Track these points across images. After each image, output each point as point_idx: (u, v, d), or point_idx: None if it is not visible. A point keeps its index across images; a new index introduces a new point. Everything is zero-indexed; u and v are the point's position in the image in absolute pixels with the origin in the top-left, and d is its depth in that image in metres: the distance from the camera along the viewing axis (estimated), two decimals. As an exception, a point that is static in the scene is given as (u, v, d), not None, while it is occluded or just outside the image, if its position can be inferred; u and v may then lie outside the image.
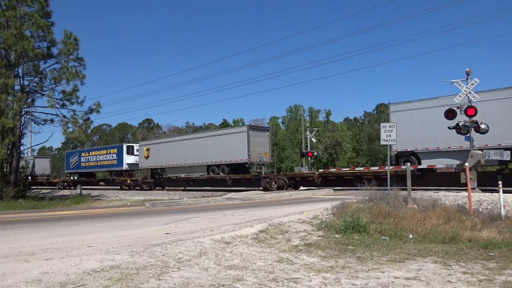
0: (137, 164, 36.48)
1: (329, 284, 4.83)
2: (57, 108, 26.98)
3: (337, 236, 7.96)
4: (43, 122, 28.01)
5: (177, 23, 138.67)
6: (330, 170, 26.06)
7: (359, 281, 5.00)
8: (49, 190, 41.86)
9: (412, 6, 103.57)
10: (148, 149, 34.54)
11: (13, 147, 26.69)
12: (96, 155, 40.75)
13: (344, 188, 23.46)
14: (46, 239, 8.16)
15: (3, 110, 24.33)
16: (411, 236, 8.07)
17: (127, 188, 35.56)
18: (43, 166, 49.36)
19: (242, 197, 19.56)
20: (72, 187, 41.33)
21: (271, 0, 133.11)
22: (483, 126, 15.27)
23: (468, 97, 15.25)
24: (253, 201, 18.06)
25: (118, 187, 36.80)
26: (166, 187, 34.37)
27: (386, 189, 11.75)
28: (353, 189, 21.86)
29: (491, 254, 6.70)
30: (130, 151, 37.13)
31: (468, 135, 15.57)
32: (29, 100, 27.23)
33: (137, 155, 36.47)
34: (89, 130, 43.34)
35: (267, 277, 5.02)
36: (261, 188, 25.83)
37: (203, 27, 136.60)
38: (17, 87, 26.66)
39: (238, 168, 28.15)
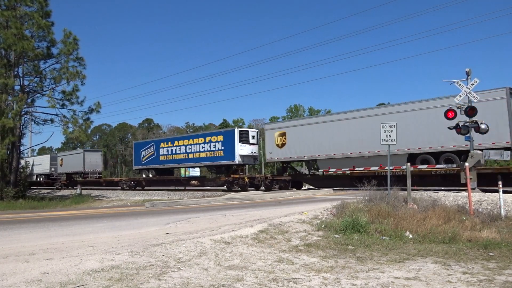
0: (253, 156, 27.67)
1: (329, 284, 4.83)
2: (57, 108, 27.04)
3: (337, 236, 7.96)
4: (43, 122, 28.05)
5: (177, 23, 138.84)
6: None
7: (359, 281, 5.00)
8: (49, 190, 41.67)
9: (412, 6, 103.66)
10: (283, 134, 25.56)
11: (13, 147, 26.72)
12: (185, 145, 30.63)
13: (344, 188, 23.44)
14: (46, 239, 8.15)
15: (3, 110, 24.36)
16: (411, 236, 8.07)
17: (239, 189, 26.81)
18: (94, 162, 41.77)
19: (242, 197, 19.59)
20: (139, 188, 34.53)
21: (271, 0, 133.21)
22: (483, 126, 15.26)
23: (468, 97, 15.26)
24: (253, 201, 18.07)
25: (224, 188, 28.10)
26: (315, 187, 25.98)
27: (386, 189, 11.74)
28: (353, 189, 21.88)
29: (491, 254, 6.70)
30: (244, 139, 27.11)
31: (468, 135, 15.57)
32: (29, 100, 27.25)
33: (253, 143, 27.47)
34: (89, 130, 43.06)
35: (267, 277, 5.02)
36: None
37: (203, 27, 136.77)
38: (17, 87, 26.75)
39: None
